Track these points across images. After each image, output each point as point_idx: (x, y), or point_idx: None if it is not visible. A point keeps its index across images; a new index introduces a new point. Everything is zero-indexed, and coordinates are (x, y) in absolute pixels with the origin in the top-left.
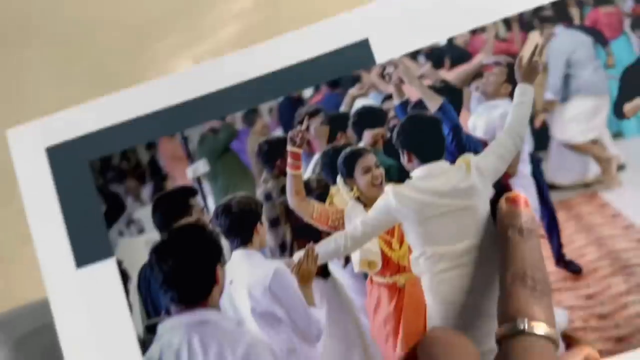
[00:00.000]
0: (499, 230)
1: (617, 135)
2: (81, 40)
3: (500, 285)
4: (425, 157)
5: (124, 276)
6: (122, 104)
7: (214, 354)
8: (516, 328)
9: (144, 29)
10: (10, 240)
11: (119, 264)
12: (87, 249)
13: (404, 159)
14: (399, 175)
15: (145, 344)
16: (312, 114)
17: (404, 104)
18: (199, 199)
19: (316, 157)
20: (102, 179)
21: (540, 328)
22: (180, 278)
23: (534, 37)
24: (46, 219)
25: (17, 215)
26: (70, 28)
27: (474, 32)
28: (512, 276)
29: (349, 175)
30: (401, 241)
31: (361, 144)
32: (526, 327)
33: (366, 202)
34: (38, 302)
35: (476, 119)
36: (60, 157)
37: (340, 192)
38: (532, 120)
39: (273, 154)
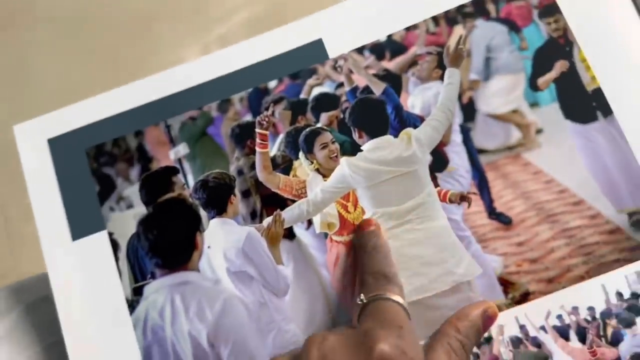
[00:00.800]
0: (357, 250)
1: (533, 104)
2: (87, 23)
3: (363, 284)
4: (373, 133)
5: (115, 246)
6: (113, 99)
7: (194, 311)
8: (378, 296)
9: (145, 15)
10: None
11: (110, 235)
12: (82, 223)
13: (355, 135)
14: (352, 149)
15: (133, 305)
16: (277, 101)
17: (354, 90)
18: (180, 176)
19: (281, 136)
20: (96, 163)
21: (394, 296)
22: (163, 245)
23: (458, 30)
24: (46, 199)
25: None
26: (72, 9)
27: (408, 28)
28: (371, 275)
29: (309, 151)
30: (355, 204)
31: (319, 125)
32: (385, 295)
33: (325, 173)
34: (46, 274)
35: (414, 99)
36: (60, 146)
37: (302, 165)
38: (460, 97)
39: (244, 136)
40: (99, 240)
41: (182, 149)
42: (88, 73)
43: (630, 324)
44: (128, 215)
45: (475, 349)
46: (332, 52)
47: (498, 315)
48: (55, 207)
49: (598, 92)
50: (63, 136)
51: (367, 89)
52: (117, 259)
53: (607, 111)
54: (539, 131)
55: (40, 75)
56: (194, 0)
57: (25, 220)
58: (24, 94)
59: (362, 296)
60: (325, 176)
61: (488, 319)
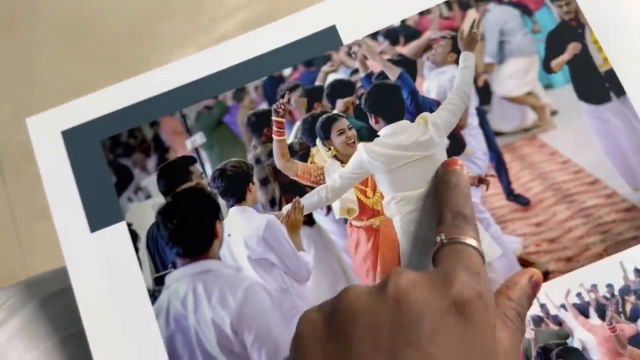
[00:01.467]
0: (439, 185)
1: (547, 86)
2: (89, 23)
3: (442, 220)
4: (390, 118)
5: (134, 236)
6: (128, 90)
7: (217, 298)
8: (456, 239)
9: (149, 14)
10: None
11: (129, 226)
12: (100, 215)
13: (372, 121)
14: (369, 134)
15: (154, 295)
16: (292, 89)
17: (369, 76)
18: (197, 166)
19: (297, 124)
20: (112, 155)
21: (471, 241)
22: (184, 234)
23: (472, 14)
24: (62, 192)
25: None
26: (78, 10)
27: (421, 13)
28: (451, 212)
29: (326, 138)
30: (374, 190)
31: (335, 111)
32: (463, 239)
33: (342, 159)
34: (61, 269)
35: (429, 83)
36: (75, 138)
37: (319, 152)
38: (475, 81)
39: (260, 124)
40: (118, 231)
41: (199, 138)
42: (90, 72)
43: None
44: (147, 206)
45: None
46: (346, 38)
47: (542, 281)
48: (72, 199)
49: (611, 73)
50: (77, 128)
51: (382, 75)
52: (137, 250)
53: (620, 92)
54: (553, 113)
55: (44, 75)
56: (194, 1)
57: (35, 219)
58: (29, 93)
59: (442, 235)
60: (343, 162)
61: (535, 285)
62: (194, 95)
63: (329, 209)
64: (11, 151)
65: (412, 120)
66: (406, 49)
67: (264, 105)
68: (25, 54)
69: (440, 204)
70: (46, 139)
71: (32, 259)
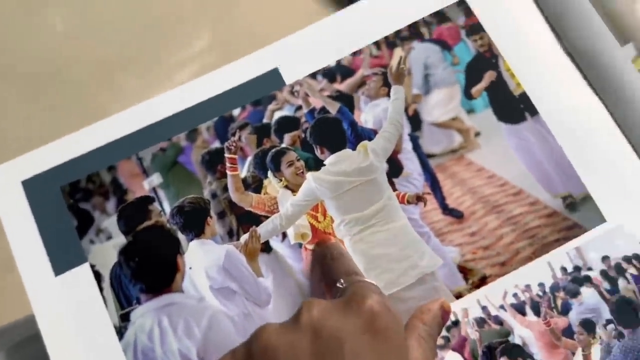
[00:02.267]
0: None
1: (470, 111)
2: (46, 77)
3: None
4: (333, 148)
5: (98, 277)
6: (83, 138)
7: (182, 329)
8: (355, 280)
9: (108, 65)
10: None
11: (92, 267)
12: (63, 259)
13: (317, 152)
14: (315, 164)
15: (121, 331)
16: (242, 127)
17: (312, 111)
18: (156, 204)
19: (249, 159)
20: (72, 199)
21: (371, 280)
22: (146, 271)
23: (398, 52)
24: (25, 239)
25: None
26: (37, 65)
27: (354, 54)
28: (347, 275)
29: (276, 170)
30: (324, 214)
31: (283, 145)
32: (361, 279)
33: (293, 188)
34: (27, 317)
35: (366, 115)
36: (35, 186)
37: (271, 183)
38: (406, 110)
39: (214, 161)
40: (82, 273)
41: (156, 179)
42: (51, 123)
43: (575, 294)
44: (108, 246)
45: (445, 333)
46: (288, 78)
47: (451, 309)
48: (35, 245)
49: (524, 95)
50: (36, 177)
51: (323, 110)
52: (101, 289)
53: (534, 111)
54: (477, 134)
55: (4, 129)
56: (153, 50)
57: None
58: None
59: (341, 280)
60: (294, 191)
61: (445, 313)
62: (149, 139)
63: (284, 235)
64: None
65: (354, 149)
66: (343, 86)
67: (216, 144)
68: None
69: (328, 277)
70: (7, 189)
71: (6, 309)
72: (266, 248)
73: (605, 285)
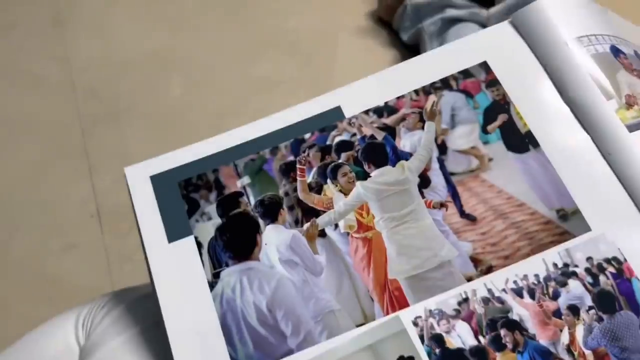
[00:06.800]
0: None
1: (485, 142)
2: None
3: None
4: (378, 165)
5: (199, 246)
6: (197, 149)
7: (257, 286)
8: None
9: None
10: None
11: (196, 238)
12: (175, 231)
13: (366, 167)
14: (364, 176)
15: (212, 285)
16: (311, 147)
17: (363, 138)
18: (244, 198)
19: (314, 169)
20: (185, 191)
21: None
22: (234, 244)
23: (432, 97)
24: (149, 216)
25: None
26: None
27: (398, 97)
28: None
29: (334, 178)
30: (368, 212)
31: (340, 161)
32: None
33: (345, 192)
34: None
35: (404, 142)
36: (159, 181)
37: (329, 188)
38: (436, 140)
39: (288, 170)
40: (188, 242)
41: (246, 180)
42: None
43: (564, 284)
44: (208, 225)
45: (457, 307)
46: (348, 113)
47: None
48: (155, 220)
49: (529, 132)
50: (161, 174)
51: (372, 137)
52: (200, 254)
53: (536, 144)
54: (490, 159)
55: (137, 154)
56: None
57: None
58: (124, 164)
59: None
60: (346, 195)
61: None
62: (243, 152)
63: (337, 225)
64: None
65: (394, 166)
66: (388, 120)
67: (291, 158)
68: (125, 145)
69: None
70: (139, 182)
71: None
72: (322, 234)
73: (589, 279)
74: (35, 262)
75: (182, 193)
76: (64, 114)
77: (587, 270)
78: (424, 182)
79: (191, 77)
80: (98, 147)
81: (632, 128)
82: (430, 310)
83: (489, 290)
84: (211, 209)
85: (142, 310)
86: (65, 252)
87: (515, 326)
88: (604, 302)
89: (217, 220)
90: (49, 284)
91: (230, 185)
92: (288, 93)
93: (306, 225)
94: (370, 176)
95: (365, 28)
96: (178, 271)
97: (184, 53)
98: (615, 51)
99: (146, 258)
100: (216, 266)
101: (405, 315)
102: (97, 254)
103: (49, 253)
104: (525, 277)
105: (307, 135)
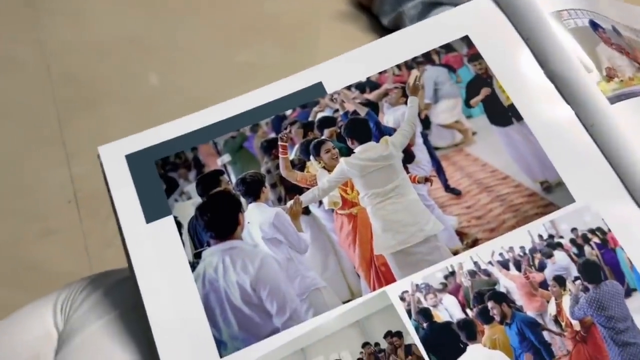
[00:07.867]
0: None
1: (469, 116)
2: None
3: None
4: (361, 140)
5: (179, 226)
6: (174, 127)
7: (240, 266)
8: None
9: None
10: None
11: (175, 218)
12: (153, 211)
13: (349, 143)
14: (347, 152)
15: (194, 265)
16: (292, 123)
17: (346, 113)
18: (225, 176)
19: (296, 146)
20: (163, 170)
21: None
22: (215, 223)
23: (414, 72)
24: (126, 196)
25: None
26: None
27: (381, 72)
28: None
29: (317, 155)
30: (352, 188)
31: (323, 137)
32: None
33: (329, 169)
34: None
35: (388, 117)
36: (135, 159)
37: (312, 165)
38: (419, 114)
39: (270, 147)
40: (167, 222)
41: (226, 158)
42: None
43: (549, 255)
44: (188, 204)
45: (443, 280)
46: (329, 89)
47: None
48: (133, 201)
49: (512, 106)
50: (137, 152)
51: (355, 112)
52: (181, 234)
53: (519, 117)
54: (474, 133)
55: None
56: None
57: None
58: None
59: None
60: (329, 171)
61: None
62: (223, 129)
63: (321, 202)
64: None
65: (377, 142)
66: (371, 96)
67: (272, 135)
68: (102, 131)
69: None
70: (114, 161)
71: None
72: (306, 211)
73: (574, 250)
74: (13, 248)
75: (160, 172)
76: (39, 98)
77: (572, 241)
78: (408, 157)
79: (170, 62)
80: (75, 132)
81: (613, 100)
82: (417, 285)
83: (475, 263)
84: (190, 188)
85: (121, 293)
86: (43, 238)
87: (502, 298)
88: (590, 272)
89: (197, 200)
90: (26, 270)
91: (210, 164)
92: (269, 79)
93: (289, 203)
94: (353, 152)
95: (345, 13)
96: (157, 252)
97: (163, 37)
98: (594, 25)
99: (123, 240)
100: (197, 246)
101: (392, 291)
102: (75, 240)
103: (26, 239)
104: (511, 249)
105: (288, 112)
